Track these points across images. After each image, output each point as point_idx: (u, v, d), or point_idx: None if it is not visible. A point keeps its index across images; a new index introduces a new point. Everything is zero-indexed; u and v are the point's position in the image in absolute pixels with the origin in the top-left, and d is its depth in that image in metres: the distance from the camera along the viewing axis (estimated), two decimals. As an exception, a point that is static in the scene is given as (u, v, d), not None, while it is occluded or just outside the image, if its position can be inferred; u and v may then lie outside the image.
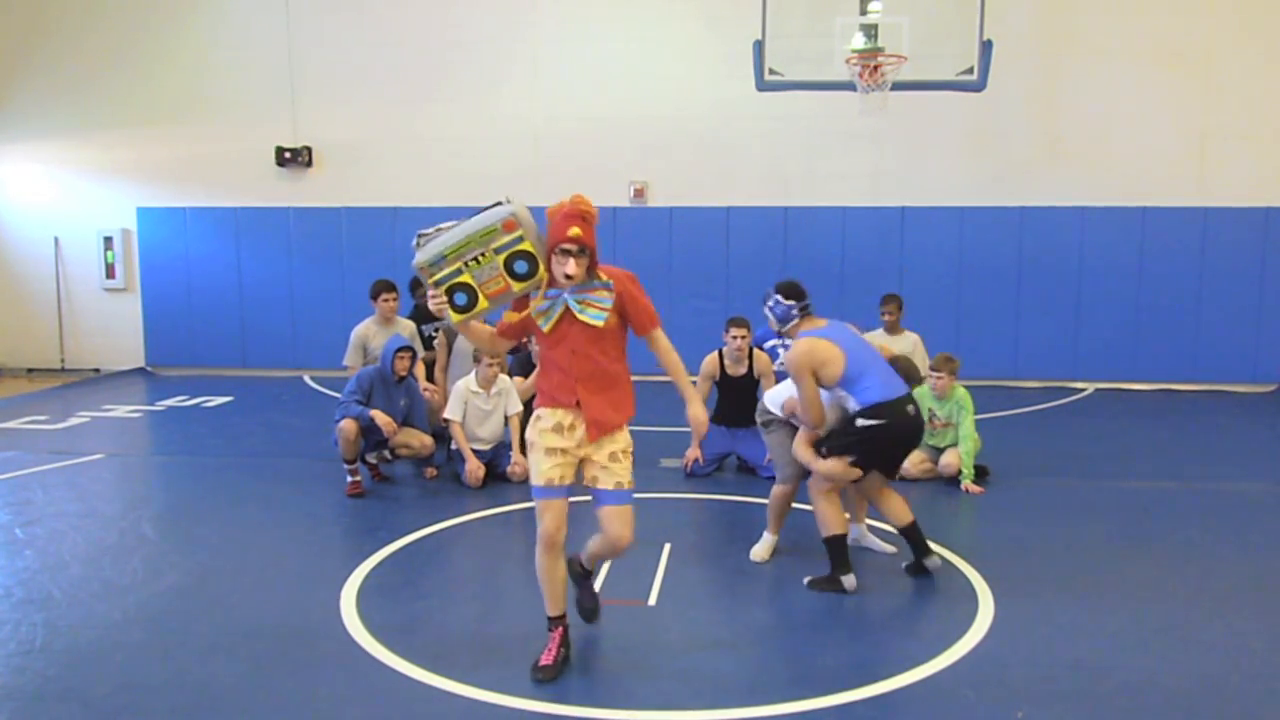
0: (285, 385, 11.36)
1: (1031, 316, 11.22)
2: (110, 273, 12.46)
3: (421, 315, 7.88)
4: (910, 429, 4.73)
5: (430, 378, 7.52)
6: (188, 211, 12.19)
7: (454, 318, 3.68)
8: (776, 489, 5.16)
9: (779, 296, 4.83)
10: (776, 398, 5.15)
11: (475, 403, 6.65)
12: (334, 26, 11.81)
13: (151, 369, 12.43)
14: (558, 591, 3.79)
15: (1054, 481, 6.80)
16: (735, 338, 6.71)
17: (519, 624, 4.25)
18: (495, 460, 6.73)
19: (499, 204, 3.61)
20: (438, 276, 3.62)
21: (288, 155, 11.84)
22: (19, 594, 4.61)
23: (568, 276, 3.53)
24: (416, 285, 8.05)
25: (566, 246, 3.52)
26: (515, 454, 6.69)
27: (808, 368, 4.61)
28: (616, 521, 3.72)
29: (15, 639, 4.09)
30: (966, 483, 6.52)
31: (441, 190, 11.47)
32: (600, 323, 3.60)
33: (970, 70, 8.46)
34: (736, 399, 6.86)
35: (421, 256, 3.61)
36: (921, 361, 7.42)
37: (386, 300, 7.37)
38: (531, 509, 3.71)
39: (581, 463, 3.73)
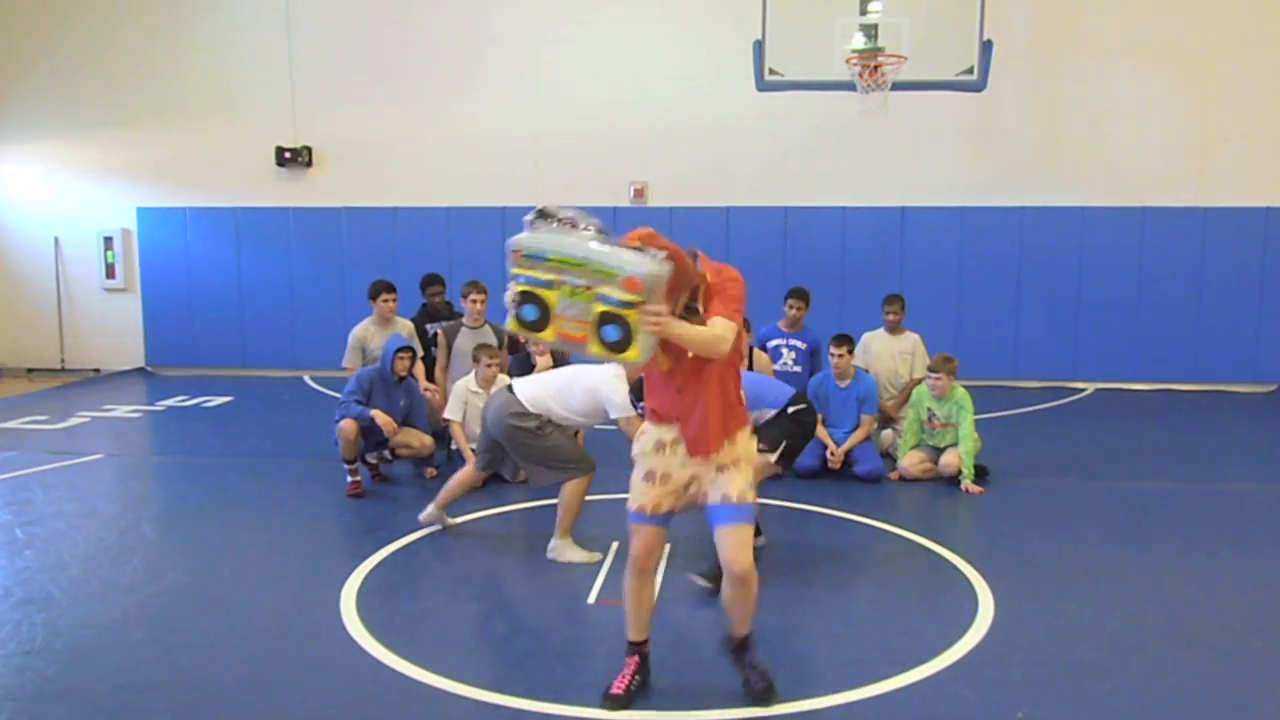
0: (285, 385, 11.35)
1: (1031, 316, 11.21)
2: (110, 273, 12.45)
3: (428, 314, 7.87)
4: None
5: (430, 377, 7.51)
6: (188, 211, 12.18)
7: (510, 324, 3.09)
8: None
9: None
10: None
11: (475, 403, 6.62)
12: (334, 26, 11.80)
13: (151, 369, 12.42)
14: (642, 617, 3.58)
15: (1054, 481, 6.80)
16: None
17: (519, 624, 4.25)
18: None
19: (646, 251, 2.95)
20: (526, 273, 2.99)
21: (288, 155, 11.83)
22: (19, 594, 4.61)
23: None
24: (428, 283, 8.03)
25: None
26: None
27: None
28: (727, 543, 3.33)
29: (15, 639, 4.09)
30: (966, 483, 6.51)
31: (441, 190, 11.44)
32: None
33: (970, 70, 8.44)
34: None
35: (526, 240, 3.00)
36: (921, 361, 7.43)
37: (385, 300, 7.36)
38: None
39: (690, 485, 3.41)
